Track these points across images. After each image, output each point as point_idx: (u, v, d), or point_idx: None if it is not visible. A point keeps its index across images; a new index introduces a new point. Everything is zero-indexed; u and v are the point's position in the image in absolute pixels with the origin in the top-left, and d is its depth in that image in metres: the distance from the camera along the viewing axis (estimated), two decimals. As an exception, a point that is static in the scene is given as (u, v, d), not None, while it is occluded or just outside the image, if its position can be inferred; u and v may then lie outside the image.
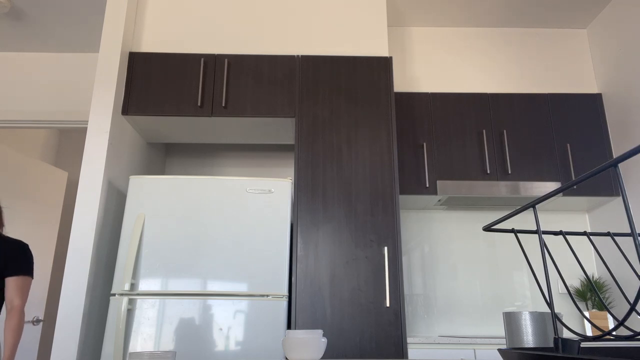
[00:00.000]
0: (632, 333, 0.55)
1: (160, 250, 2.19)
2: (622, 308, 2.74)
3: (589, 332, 2.67)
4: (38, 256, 3.36)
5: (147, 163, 2.90)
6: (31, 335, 3.23)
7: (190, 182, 2.30)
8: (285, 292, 2.16)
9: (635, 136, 2.74)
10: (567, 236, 3.00)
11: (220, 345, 2.08)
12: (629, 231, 2.63)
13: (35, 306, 3.28)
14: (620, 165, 2.81)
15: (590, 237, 0.71)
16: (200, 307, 2.12)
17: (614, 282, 0.82)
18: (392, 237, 2.29)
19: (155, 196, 2.27)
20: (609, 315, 2.62)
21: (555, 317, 0.65)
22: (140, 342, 2.08)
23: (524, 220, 3.06)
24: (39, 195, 3.42)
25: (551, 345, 0.84)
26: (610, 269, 2.86)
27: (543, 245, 0.66)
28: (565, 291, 2.90)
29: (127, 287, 2.10)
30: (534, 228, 3.15)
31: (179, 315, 2.11)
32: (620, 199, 2.78)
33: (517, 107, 2.90)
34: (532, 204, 0.69)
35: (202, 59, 2.56)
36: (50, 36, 3.24)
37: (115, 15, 2.57)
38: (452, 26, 3.33)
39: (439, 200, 2.82)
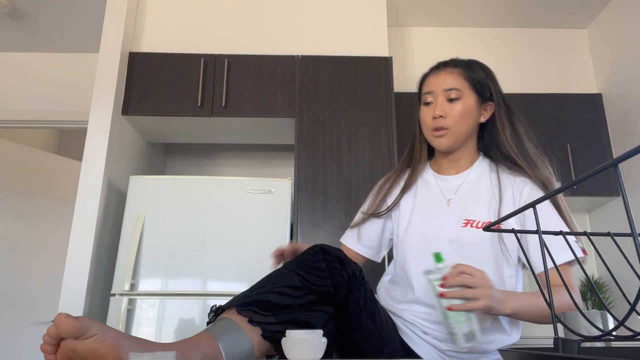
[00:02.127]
0: (632, 333, 0.55)
1: (160, 250, 2.19)
2: (622, 308, 2.74)
3: (589, 332, 2.67)
4: (53, 252, 3.31)
5: (147, 163, 2.90)
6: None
7: (190, 182, 2.30)
8: (285, 292, 2.16)
9: (635, 136, 2.73)
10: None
11: (220, 345, 2.07)
12: (629, 231, 2.63)
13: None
14: (620, 165, 2.79)
15: (590, 237, 0.70)
16: (201, 307, 2.12)
17: (614, 282, 0.82)
18: (392, 237, 2.29)
19: (155, 196, 2.27)
20: (609, 315, 2.61)
21: (556, 317, 0.65)
22: (140, 342, 2.07)
23: (524, 220, 3.05)
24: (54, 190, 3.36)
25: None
26: (610, 269, 2.86)
27: (543, 245, 0.66)
28: (565, 291, 2.90)
29: (127, 287, 2.10)
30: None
31: (179, 315, 2.11)
32: (620, 199, 2.77)
33: (517, 107, 2.90)
34: (532, 204, 0.69)
35: (202, 59, 2.56)
36: (50, 36, 3.24)
37: (115, 15, 2.56)
38: (452, 26, 3.33)
39: (439, 200, 2.81)
